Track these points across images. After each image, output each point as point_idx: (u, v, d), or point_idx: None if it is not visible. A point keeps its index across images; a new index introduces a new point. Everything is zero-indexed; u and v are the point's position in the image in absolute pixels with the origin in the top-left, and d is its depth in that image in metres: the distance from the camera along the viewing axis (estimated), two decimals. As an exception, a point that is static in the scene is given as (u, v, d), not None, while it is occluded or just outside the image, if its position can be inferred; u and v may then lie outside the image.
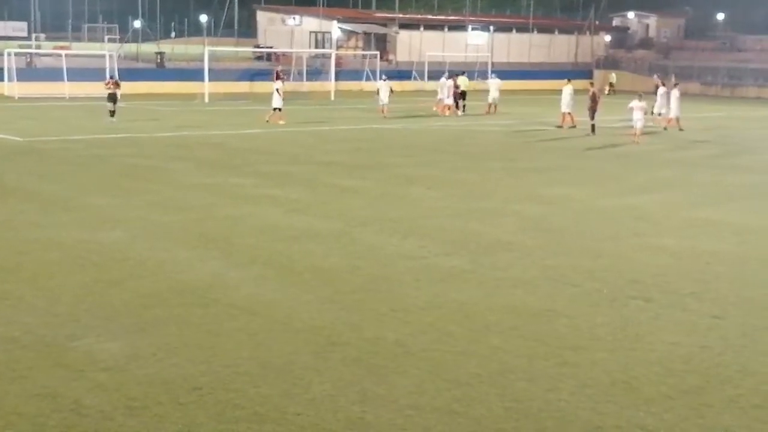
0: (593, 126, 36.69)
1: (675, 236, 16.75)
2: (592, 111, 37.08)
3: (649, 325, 11.22)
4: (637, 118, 34.47)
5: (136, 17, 79.89)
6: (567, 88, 39.65)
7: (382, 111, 43.15)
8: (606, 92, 54.45)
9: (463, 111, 46.47)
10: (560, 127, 38.86)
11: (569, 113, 39.13)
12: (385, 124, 39.81)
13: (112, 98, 37.80)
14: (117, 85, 38.63)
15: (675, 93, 40.23)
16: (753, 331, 11.06)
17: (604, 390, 9.04)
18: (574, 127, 38.56)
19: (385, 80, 46.37)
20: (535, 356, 9.97)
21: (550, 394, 8.89)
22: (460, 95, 46.41)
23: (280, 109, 39.08)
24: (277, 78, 45.57)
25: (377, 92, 44.70)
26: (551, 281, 13.27)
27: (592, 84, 40.73)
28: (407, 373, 9.36)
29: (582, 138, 35.57)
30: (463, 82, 48.14)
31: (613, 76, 69.12)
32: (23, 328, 10.53)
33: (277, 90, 39.52)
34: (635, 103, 35.02)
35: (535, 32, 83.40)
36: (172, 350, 9.90)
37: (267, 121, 38.65)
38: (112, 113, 37.58)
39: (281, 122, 38.46)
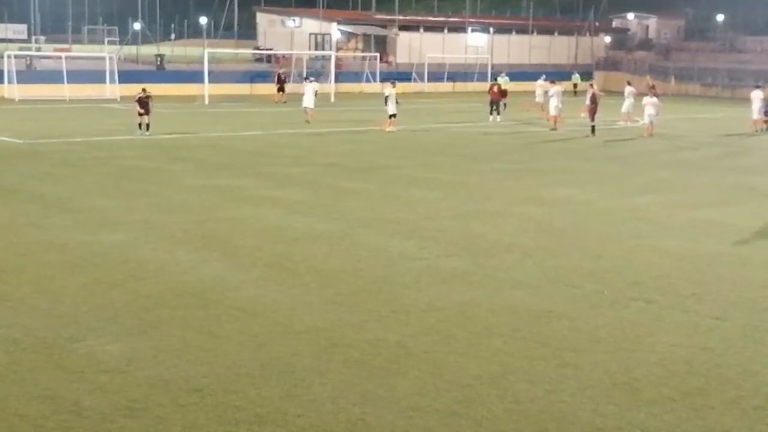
0: (593, 127, 36.71)
1: (676, 238, 16.75)
2: (592, 112, 37.11)
3: (650, 327, 11.22)
4: (649, 113, 36.67)
5: (135, 19, 79.86)
6: (542, 86, 39.88)
7: (306, 115, 40.11)
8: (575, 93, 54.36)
9: (504, 108, 45.68)
10: (554, 129, 38.85)
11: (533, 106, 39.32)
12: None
13: (145, 108, 33.83)
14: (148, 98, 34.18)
15: (759, 94, 40.53)
16: (754, 333, 11.06)
17: (605, 391, 9.04)
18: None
19: (310, 81, 43.38)
20: (535, 358, 9.97)
21: (551, 396, 8.90)
22: (500, 95, 44.89)
23: (395, 115, 37.09)
24: (390, 84, 39.69)
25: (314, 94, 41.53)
26: (552, 283, 13.28)
27: (592, 85, 40.72)
28: (408, 375, 9.36)
29: (582, 139, 35.59)
30: (503, 81, 49.15)
31: (576, 77, 68.75)
32: (24, 330, 10.54)
33: (388, 97, 37.33)
34: (647, 99, 37.40)
35: (535, 33, 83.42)
36: (173, 352, 9.90)
37: (386, 131, 36.64)
38: (143, 126, 33.87)
39: (393, 129, 36.71)
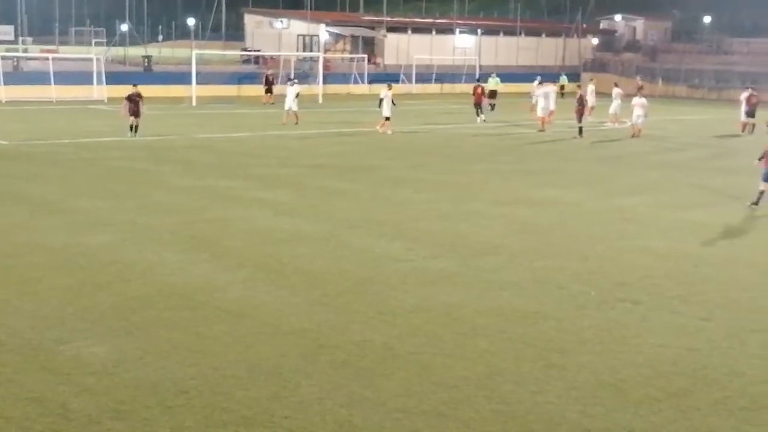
0: (580, 129, 36.79)
1: (662, 238, 16.80)
2: (580, 114, 37.22)
3: (637, 328, 11.26)
4: (638, 114, 37.24)
5: (123, 20, 79.56)
6: (540, 90, 40.08)
7: (293, 117, 39.80)
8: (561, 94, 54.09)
9: (491, 109, 46.96)
10: (542, 130, 38.90)
11: (534, 110, 39.49)
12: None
13: (135, 113, 33.26)
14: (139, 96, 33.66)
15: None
16: (740, 333, 11.11)
17: (591, 392, 9.06)
18: (543, 131, 38.72)
19: (293, 84, 42.85)
20: (522, 359, 10.00)
21: (537, 397, 8.92)
22: (489, 95, 45.35)
23: (389, 118, 36.62)
24: (386, 86, 38.86)
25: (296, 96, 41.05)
26: (539, 284, 13.30)
27: (579, 87, 40.87)
28: (395, 376, 9.37)
29: (569, 141, 35.66)
30: (494, 82, 50.22)
31: (564, 78, 68.46)
32: (10, 332, 10.51)
33: (386, 99, 36.63)
34: (636, 100, 37.87)
35: (523, 35, 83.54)
36: (160, 353, 9.89)
37: (378, 131, 36.34)
38: (133, 128, 33.24)
39: (383, 130, 36.36)
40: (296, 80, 46.70)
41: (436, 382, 9.23)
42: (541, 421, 8.38)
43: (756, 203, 20.17)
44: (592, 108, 41.92)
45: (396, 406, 8.59)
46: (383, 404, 8.64)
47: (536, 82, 47.68)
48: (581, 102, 37.48)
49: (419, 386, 9.10)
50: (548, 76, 57.50)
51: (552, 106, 40.75)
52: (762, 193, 20.17)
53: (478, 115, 43.39)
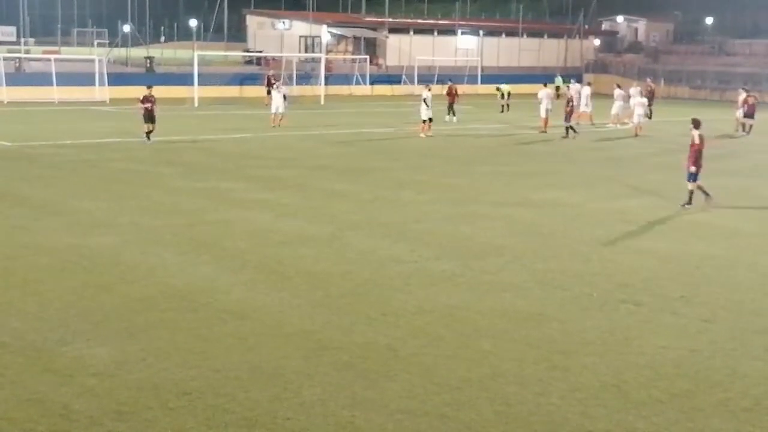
0: (570, 128, 37.07)
1: (664, 240, 16.80)
2: (569, 114, 37.57)
3: (639, 329, 11.25)
4: (638, 113, 38.80)
5: (125, 21, 79.58)
6: (543, 92, 40.22)
7: (274, 120, 39.32)
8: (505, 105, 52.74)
9: (505, 110, 49.56)
10: (544, 132, 38.89)
11: (545, 117, 39.48)
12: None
13: (150, 117, 32.20)
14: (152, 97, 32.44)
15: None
16: (742, 335, 11.10)
17: (594, 394, 9.06)
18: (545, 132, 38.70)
19: (278, 86, 42.47)
20: (525, 360, 9.99)
21: (540, 398, 8.92)
22: (455, 97, 45.79)
23: (431, 120, 36.42)
24: (426, 87, 38.75)
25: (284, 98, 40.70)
26: (541, 285, 13.30)
27: (567, 87, 41.26)
28: (397, 378, 9.37)
29: (571, 141, 35.66)
30: (505, 88, 51.41)
31: (559, 79, 66.94)
32: (12, 333, 10.52)
33: (425, 100, 36.41)
34: (637, 100, 39.54)
35: (525, 36, 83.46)
36: (162, 355, 9.89)
37: (421, 136, 36.01)
38: (148, 134, 32.24)
39: (429, 134, 36.15)
40: (282, 83, 46.59)
41: (438, 383, 9.23)
42: (544, 422, 8.38)
43: (711, 200, 20.31)
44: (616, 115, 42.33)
45: (398, 408, 8.59)
46: (386, 406, 8.64)
47: (574, 83, 47.75)
48: (569, 103, 38.10)
49: (422, 388, 9.10)
50: (549, 78, 57.56)
51: (583, 108, 42.50)
52: (692, 192, 20.31)
53: (453, 114, 43.75)
